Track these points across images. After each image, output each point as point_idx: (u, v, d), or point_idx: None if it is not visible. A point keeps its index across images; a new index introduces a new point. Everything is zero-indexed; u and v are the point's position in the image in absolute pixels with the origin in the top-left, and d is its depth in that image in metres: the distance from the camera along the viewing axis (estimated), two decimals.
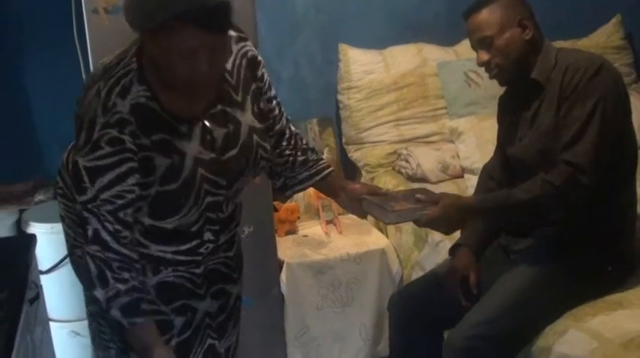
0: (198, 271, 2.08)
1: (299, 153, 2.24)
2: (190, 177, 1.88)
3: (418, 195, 2.35)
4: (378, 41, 4.00)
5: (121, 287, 1.85)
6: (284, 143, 2.22)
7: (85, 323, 3.10)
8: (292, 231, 3.67)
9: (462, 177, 3.64)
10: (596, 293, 2.49)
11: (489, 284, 2.51)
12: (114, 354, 2.12)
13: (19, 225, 3.24)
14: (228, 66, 1.95)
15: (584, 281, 2.47)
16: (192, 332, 2.13)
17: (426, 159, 3.66)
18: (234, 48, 1.97)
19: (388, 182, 3.71)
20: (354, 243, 3.53)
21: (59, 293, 3.09)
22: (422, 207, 2.32)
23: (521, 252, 2.58)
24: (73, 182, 1.86)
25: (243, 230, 2.89)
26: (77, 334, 3.16)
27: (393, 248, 3.52)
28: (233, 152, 1.96)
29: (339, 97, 3.95)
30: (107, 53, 1.95)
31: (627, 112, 2.46)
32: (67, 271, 2.93)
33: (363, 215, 2.36)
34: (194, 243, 2.01)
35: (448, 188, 3.56)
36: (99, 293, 1.88)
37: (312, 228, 3.73)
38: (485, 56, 2.48)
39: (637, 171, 2.55)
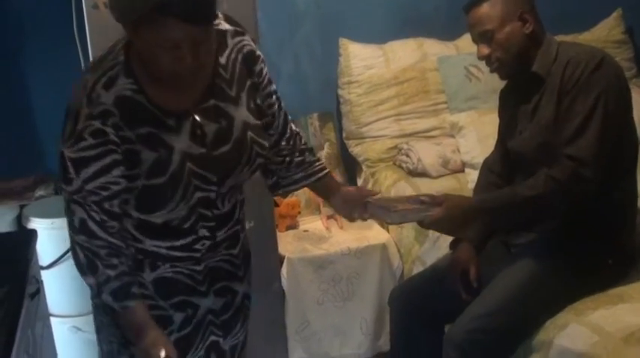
0: (198, 268, 2.06)
1: (297, 154, 2.22)
2: (178, 172, 1.85)
3: (422, 198, 2.36)
4: (378, 36, 3.99)
5: (111, 273, 1.88)
6: (283, 143, 2.19)
7: (86, 318, 3.14)
8: (293, 226, 3.67)
9: (463, 171, 3.63)
10: (597, 287, 2.49)
11: (490, 278, 2.51)
12: (116, 348, 2.12)
13: (20, 220, 3.24)
14: (223, 60, 1.91)
15: (585, 275, 2.47)
16: (193, 328, 2.12)
17: (426, 154, 3.66)
18: (230, 42, 1.94)
19: (389, 177, 3.71)
20: (355, 237, 3.53)
21: (60, 288, 3.10)
22: (426, 208, 2.33)
23: (522, 245, 2.58)
24: (59, 172, 1.86)
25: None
26: (78, 329, 3.17)
27: (394, 242, 3.53)
28: (225, 148, 1.92)
29: (340, 92, 3.94)
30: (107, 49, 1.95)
31: (628, 106, 2.46)
32: (67, 266, 2.93)
33: (353, 219, 2.34)
34: (189, 239, 1.99)
35: (449, 182, 3.56)
36: (89, 280, 1.91)
37: (312, 223, 3.73)
38: (485, 50, 2.49)
39: (637, 165, 2.55)
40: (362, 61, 3.89)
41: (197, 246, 2.02)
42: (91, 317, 3.10)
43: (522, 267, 2.47)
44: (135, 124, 1.80)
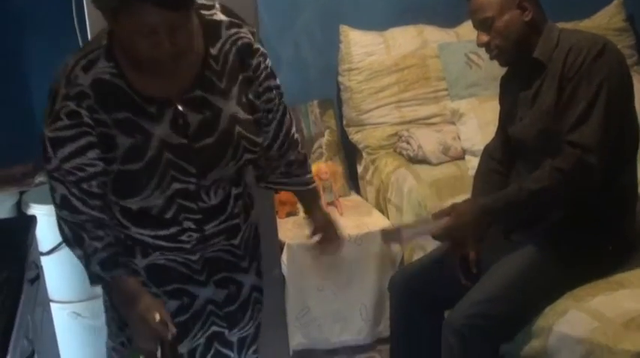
0: (193, 258, 2.05)
1: (283, 165, 2.18)
2: (154, 160, 1.83)
3: (432, 214, 2.46)
4: (378, 23, 3.98)
5: (98, 244, 1.90)
6: (274, 150, 2.14)
7: (86, 304, 3.17)
8: (293, 213, 3.66)
9: (463, 158, 3.63)
10: (597, 274, 2.49)
11: (490, 264, 2.51)
12: (114, 330, 2.14)
13: (20, 207, 3.24)
14: (214, 51, 1.87)
15: (585, 261, 2.48)
16: (190, 317, 2.11)
17: (427, 141, 3.66)
18: (225, 33, 1.90)
19: (389, 164, 3.71)
20: (355, 224, 3.53)
21: (60, 274, 3.09)
22: (436, 221, 2.43)
23: (522, 232, 2.58)
24: (41, 150, 1.86)
25: None
26: (78, 315, 3.17)
27: None
28: (209, 140, 1.88)
29: (340, 79, 3.94)
30: None
31: (630, 93, 2.46)
32: (67, 253, 2.89)
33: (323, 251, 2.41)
34: (172, 229, 1.97)
35: (449, 169, 3.56)
36: (77, 252, 1.95)
37: None
38: (484, 37, 2.50)
39: (638, 152, 2.55)
40: (362, 47, 3.88)
41: (183, 238, 1.99)
42: (90, 303, 3.15)
43: (522, 254, 2.48)
44: (111, 108, 1.79)
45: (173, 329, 1.89)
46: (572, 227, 2.47)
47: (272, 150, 2.13)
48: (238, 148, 1.93)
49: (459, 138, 3.68)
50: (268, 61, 2.00)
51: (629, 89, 2.46)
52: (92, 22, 2.69)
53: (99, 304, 3.13)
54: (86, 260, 1.94)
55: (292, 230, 3.48)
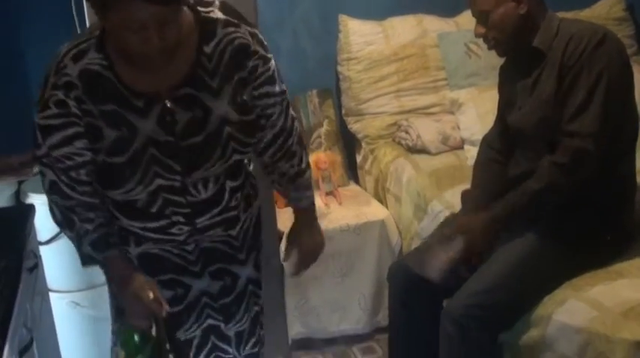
0: (188, 248, 2.04)
1: (276, 172, 2.14)
2: (138, 155, 1.82)
3: (445, 232, 2.54)
4: (377, 12, 3.97)
5: (89, 226, 1.92)
6: (267, 156, 2.09)
7: (85, 293, 3.16)
8: None
9: (462, 148, 3.63)
10: (596, 264, 2.50)
11: (488, 253, 2.51)
12: (113, 315, 2.15)
13: (18, 196, 3.23)
14: (208, 49, 1.82)
15: (584, 251, 2.48)
16: (184, 308, 2.10)
17: (426, 131, 3.65)
18: (220, 32, 1.84)
19: (388, 153, 3.71)
20: (354, 214, 3.53)
21: (59, 264, 3.09)
22: (452, 243, 2.50)
23: (521, 222, 2.58)
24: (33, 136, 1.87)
25: None
26: (77, 304, 3.17)
27: (393, 219, 3.53)
28: (196, 139, 1.85)
29: (339, 69, 3.93)
30: None
31: (630, 83, 2.46)
32: (66, 242, 2.90)
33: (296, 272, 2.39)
34: (162, 222, 1.96)
35: (448, 159, 3.56)
36: (68, 233, 1.97)
37: None
38: (481, 29, 2.52)
39: (637, 142, 2.55)
40: (361, 37, 3.87)
41: (173, 231, 1.98)
42: (89, 293, 3.15)
43: (521, 243, 2.48)
44: (98, 99, 1.78)
45: (167, 307, 1.92)
46: (572, 217, 2.46)
47: (265, 155, 2.09)
48: (227, 148, 1.89)
49: (458, 127, 3.68)
50: (270, 66, 1.92)
51: (629, 79, 2.46)
52: (90, 7, 2.69)
53: (98, 293, 3.16)
54: (78, 241, 1.97)
55: (291, 220, 3.46)
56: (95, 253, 1.96)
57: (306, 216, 2.27)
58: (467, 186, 2.82)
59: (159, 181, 1.86)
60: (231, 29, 1.85)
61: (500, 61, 2.70)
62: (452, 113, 3.77)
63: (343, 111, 3.97)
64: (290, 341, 3.46)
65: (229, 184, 2.00)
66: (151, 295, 1.89)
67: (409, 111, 3.84)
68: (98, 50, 1.77)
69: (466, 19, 3.59)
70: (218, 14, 1.85)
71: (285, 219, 3.45)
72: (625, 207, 2.55)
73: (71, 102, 1.76)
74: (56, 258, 3.06)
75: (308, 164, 2.19)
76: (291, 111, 2.07)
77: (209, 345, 2.19)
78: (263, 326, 2.30)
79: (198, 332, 2.16)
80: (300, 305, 3.44)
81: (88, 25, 2.72)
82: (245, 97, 1.90)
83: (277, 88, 1.97)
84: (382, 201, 3.69)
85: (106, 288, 3.09)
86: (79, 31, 3.14)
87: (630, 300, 2.29)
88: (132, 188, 1.86)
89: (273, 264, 3.29)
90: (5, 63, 3.43)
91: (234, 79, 1.86)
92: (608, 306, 2.29)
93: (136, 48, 1.68)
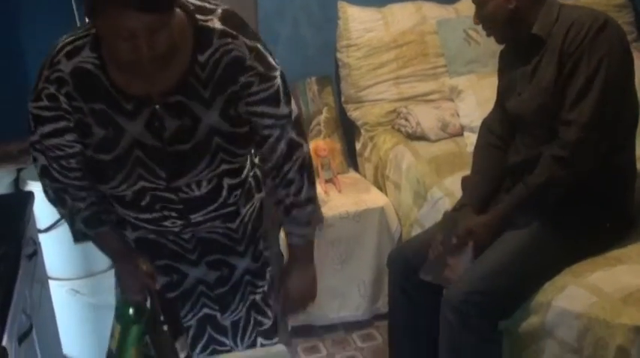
0: (185, 236, 2.02)
1: (273, 198, 2.07)
2: (123, 156, 1.81)
3: (454, 241, 2.54)
4: None
5: (81, 204, 1.94)
6: (268, 178, 2.03)
7: (85, 281, 3.17)
8: None
9: (462, 135, 3.62)
10: (596, 250, 2.50)
11: None
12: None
13: (17, 184, 3.23)
14: (202, 58, 1.76)
15: (584, 237, 2.48)
16: (180, 295, 2.10)
17: (425, 118, 3.65)
18: (216, 42, 1.77)
19: (387, 140, 3.70)
20: (354, 201, 3.53)
21: (58, 251, 3.09)
22: (461, 248, 2.53)
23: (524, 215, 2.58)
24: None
25: None
26: (77, 292, 3.17)
27: (393, 206, 3.53)
28: (184, 146, 1.81)
29: (339, 55, 3.92)
30: None
31: (630, 69, 2.46)
32: (65, 229, 2.90)
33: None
34: (154, 215, 1.94)
35: (447, 146, 3.56)
36: (60, 211, 2.00)
37: None
38: (477, 19, 2.54)
39: (638, 129, 2.55)
40: (361, 24, 3.86)
41: (166, 223, 1.97)
42: (89, 280, 3.15)
43: (521, 231, 2.49)
44: (88, 98, 1.77)
45: (160, 280, 1.96)
46: (572, 204, 2.47)
47: (266, 177, 2.03)
48: (215, 158, 1.85)
49: (458, 114, 3.67)
50: (271, 85, 1.84)
51: (630, 66, 2.45)
52: None
53: (97, 281, 3.16)
54: (70, 218, 1.99)
55: None
56: (87, 230, 1.99)
57: (297, 256, 2.13)
58: (466, 172, 2.82)
59: (143, 183, 1.86)
60: (228, 40, 1.77)
61: (500, 48, 2.69)
62: (451, 100, 3.76)
63: (343, 99, 3.96)
64: (289, 328, 3.46)
65: (227, 182, 1.94)
66: (144, 269, 1.93)
67: (408, 98, 3.83)
68: (93, 49, 1.75)
69: (465, 6, 3.58)
70: (216, 24, 1.77)
71: None
72: (625, 194, 2.56)
73: (62, 98, 1.76)
74: (56, 246, 3.06)
75: (311, 199, 2.02)
76: (296, 137, 1.95)
77: (205, 337, 2.18)
78: (266, 313, 2.23)
79: (193, 322, 2.15)
80: None
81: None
82: (239, 111, 1.84)
83: (279, 110, 1.88)
84: (382, 188, 3.68)
85: (105, 276, 3.11)
86: (77, 19, 3.14)
87: (630, 286, 2.30)
88: (116, 185, 1.86)
89: (272, 251, 3.28)
90: (5, 50, 3.42)
91: (227, 91, 1.80)
92: (608, 292, 2.29)
93: (125, 55, 1.64)
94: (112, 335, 1.97)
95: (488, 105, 2.85)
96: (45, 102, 1.77)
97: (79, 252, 3.13)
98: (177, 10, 1.71)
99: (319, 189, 3.67)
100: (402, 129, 3.71)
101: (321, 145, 3.66)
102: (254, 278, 2.17)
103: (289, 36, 3.92)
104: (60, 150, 1.83)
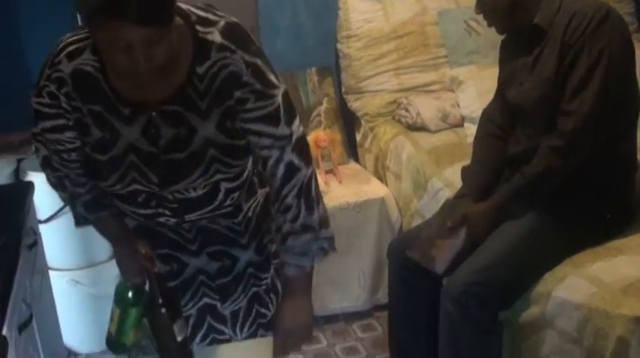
0: (186, 227, 2.02)
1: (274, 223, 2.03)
2: (118, 158, 1.81)
3: (448, 224, 2.53)
4: None
5: (81, 190, 1.96)
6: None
7: (85, 271, 3.17)
8: None
9: (462, 126, 3.62)
10: (596, 240, 2.50)
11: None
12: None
13: (18, 174, 3.24)
14: (201, 70, 1.75)
15: (584, 228, 2.48)
16: (180, 284, 2.10)
17: (425, 108, 3.64)
18: (214, 55, 1.74)
19: (388, 131, 3.70)
20: (354, 192, 3.53)
21: (59, 242, 3.10)
22: (454, 234, 2.52)
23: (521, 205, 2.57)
24: None
25: None
26: (77, 282, 3.18)
27: (393, 196, 3.53)
28: (179, 155, 1.81)
29: (339, 46, 3.91)
30: None
31: (632, 61, 2.45)
32: (66, 220, 2.93)
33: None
34: (149, 211, 1.94)
35: (448, 137, 3.56)
36: (61, 195, 2.02)
37: None
38: (478, 10, 2.53)
39: (638, 120, 2.55)
40: (361, 14, 3.85)
41: (161, 220, 1.98)
42: (89, 271, 3.16)
43: (521, 222, 2.48)
44: (87, 99, 1.77)
45: (160, 268, 1.97)
46: (572, 194, 2.46)
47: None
48: (209, 168, 1.84)
49: (458, 105, 3.67)
50: (269, 104, 1.80)
51: (631, 56, 2.44)
52: None
53: (98, 271, 3.17)
54: (71, 202, 2.02)
55: None
56: (88, 214, 2.00)
57: (292, 288, 2.00)
58: (466, 163, 2.82)
59: (136, 186, 1.86)
60: (226, 54, 1.75)
61: (501, 39, 2.69)
62: (452, 91, 3.76)
63: (343, 89, 3.96)
64: None
65: (225, 186, 1.93)
66: (143, 252, 1.94)
67: (409, 89, 3.83)
68: (94, 52, 1.74)
69: None
70: (215, 37, 1.75)
71: None
72: (625, 185, 2.55)
73: (62, 97, 1.77)
74: (56, 237, 3.07)
75: (308, 228, 1.93)
76: (296, 160, 1.87)
77: (205, 326, 2.18)
78: (268, 306, 2.22)
79: (193, 311, 2.16)
80: None
81: None
82: (235, 125, 1.82)
83: (278, 131, 1.83)
84: (382, 178, 3.68)
85: (106, 266, 3.12)
86: (78, 16, 3.13)
87: (630, 276, 2.30)
88: (111, 184, 1.87)
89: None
90: (6, 40, 3.42)
91: (223, 104, 1.79)
92: (608, 282, 2.29)
93: (122, 66, 1.63)
94: (111, 319, 1.98)
95: (489, 96, 2.84)
96: (46, 100, 1.78)
97: (79, 242, 3.14)
98: (179, 20, 1.70)
99: (320, 179, 3.67)
100: (403, 119, 3.71)
101: (321, 136, 3.66)
102: (257, 271, 2.16)
103: (289, 26, 3.90)
104: (60, 144, 1.85)
